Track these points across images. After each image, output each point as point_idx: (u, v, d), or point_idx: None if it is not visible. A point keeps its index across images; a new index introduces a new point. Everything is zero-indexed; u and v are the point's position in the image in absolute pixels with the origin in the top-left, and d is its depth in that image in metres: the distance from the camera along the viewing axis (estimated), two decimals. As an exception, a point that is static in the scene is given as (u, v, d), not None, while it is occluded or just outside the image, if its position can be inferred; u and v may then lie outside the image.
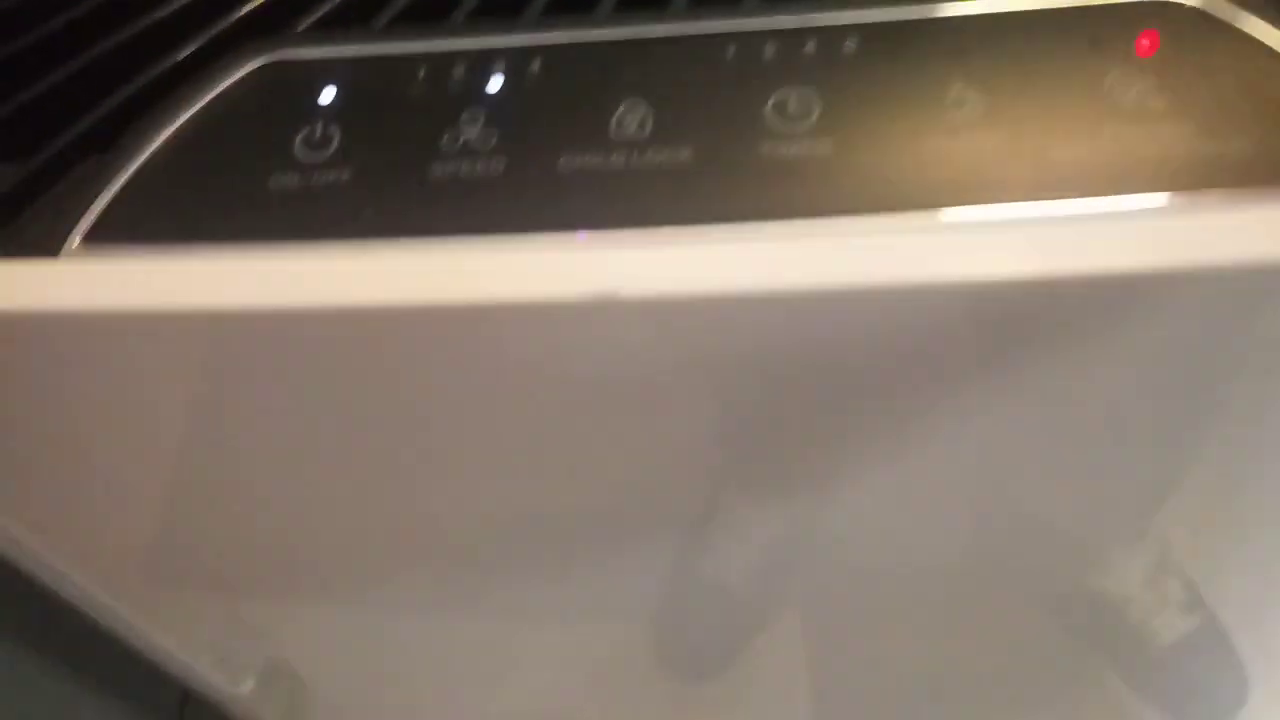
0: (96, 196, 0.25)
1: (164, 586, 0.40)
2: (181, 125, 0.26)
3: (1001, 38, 0.25)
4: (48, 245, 0.25)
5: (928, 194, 0.23)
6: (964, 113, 0.24)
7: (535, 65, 0.26)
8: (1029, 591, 0.40)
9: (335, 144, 0.25)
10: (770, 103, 0.24)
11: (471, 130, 0.25)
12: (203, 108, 0.26)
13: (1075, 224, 0.22)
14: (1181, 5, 0.25)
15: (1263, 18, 0.25)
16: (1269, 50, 0.25)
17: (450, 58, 0.26)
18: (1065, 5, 0.26)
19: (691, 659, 0.44)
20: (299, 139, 0.25)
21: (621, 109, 0.25)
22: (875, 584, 0.38)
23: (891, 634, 0.41)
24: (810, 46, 0.25)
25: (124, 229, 0.25)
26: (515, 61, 0.26)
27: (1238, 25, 0.25)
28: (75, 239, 0.25)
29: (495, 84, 0.26)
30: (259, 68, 0.27)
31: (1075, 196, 0.23)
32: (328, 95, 0.26)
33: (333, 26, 0.28)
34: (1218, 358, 0.28)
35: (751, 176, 0.24)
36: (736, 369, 0.25)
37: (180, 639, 0.44)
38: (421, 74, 0.26)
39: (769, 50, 0.25)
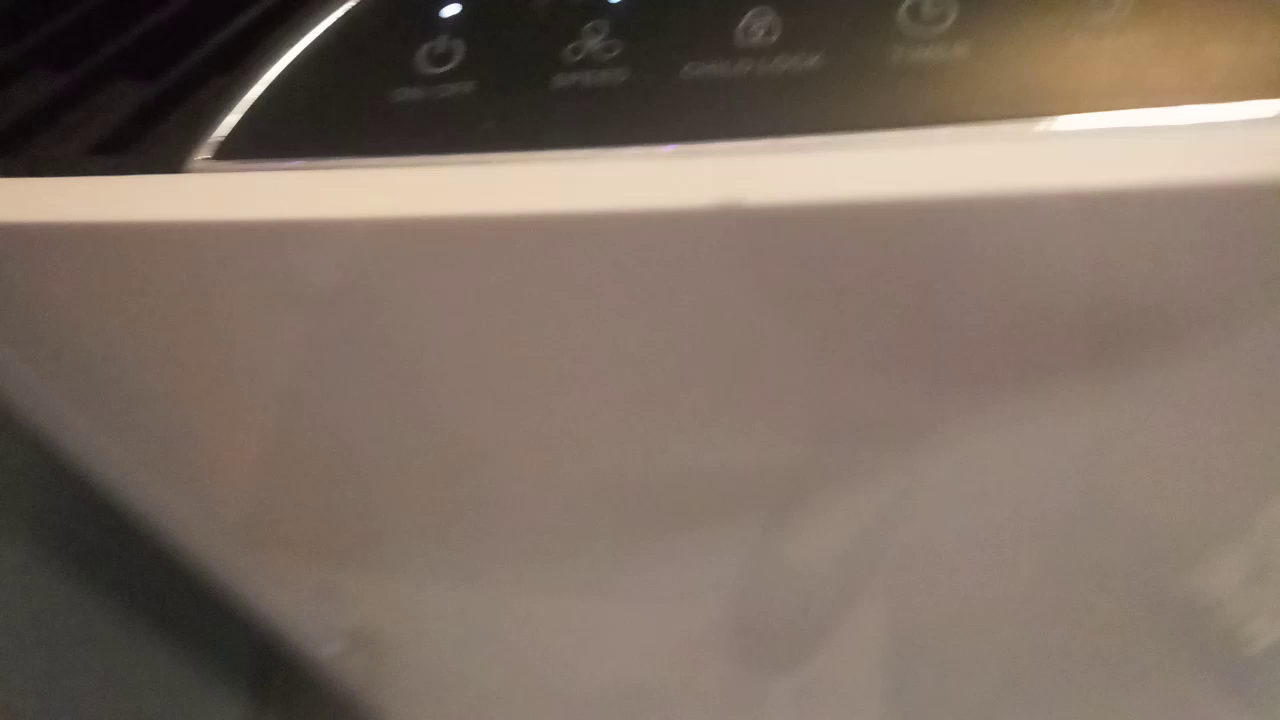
0: (222, 113, 0.25)
1: (261, 546, 0.41)
2: (306, 44, 0.26)
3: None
4: (174, 161, 0.25)
5: (1075, 99, 0.22)
6: (1111, 13, 0.23)
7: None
8: (1121, 588, 0.38)
9: (458, 57, 0.25)
10: (904, 5, 0.23)
11: (594, 41, 0.24)
12: (326, 27, 0.26)
13: (1236, 129, 0.21)
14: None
15: None
16: None
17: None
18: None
19: (770, 650, 0.44)
20: (422, 52, 0.25)
21: (749, 15, 0.24)
22: (961, 574, 0.37)
23: (975, 630, 0.40)
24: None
25: (249, 144, 0.25)
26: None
27: None
28: (201, 154, 0.25)
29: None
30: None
31: (1236, 99, 0.21)
32: (451, 9, 0.26)
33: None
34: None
35: (884, 83, 0.23)
36: (865, 288, 0.24)
37: (272, 599, 0.45)
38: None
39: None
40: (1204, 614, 0.38)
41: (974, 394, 0.28)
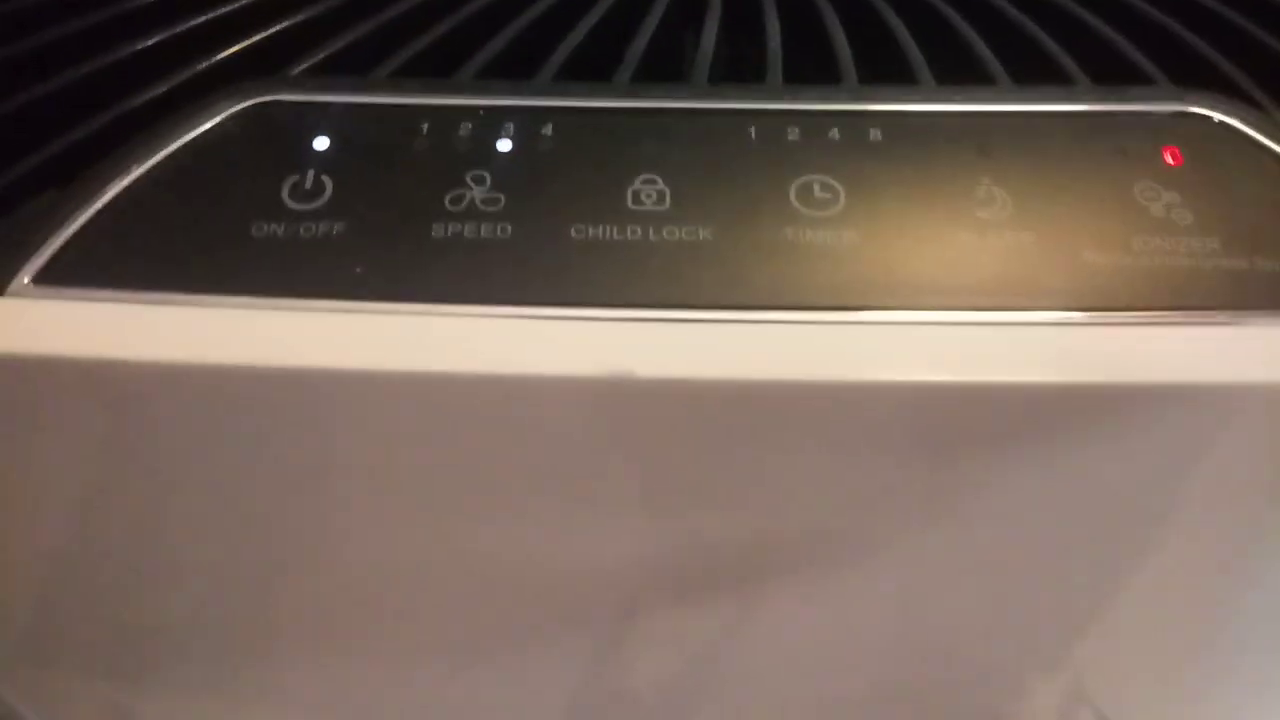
0: (55, 232, 0.23)
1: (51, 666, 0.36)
2: (157, 162, 0.24)
3: (1029, 136, 0.25)
4: (-9, 282, 0.22)
5: (959, 295, 0.22)
6: (993, 211, 0.23)
7: (547, 129, 0.24)
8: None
9: (328, 194, 0.23)
10: (794, 187, 0.23)
11: (478, 191, 0.23)
12: (182, 145, 0.24)
13: (1108, 334, 0.22)
14: (1208, 118, 0.25)
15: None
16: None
17: (457, 113, 0.25)
18: (1088, 109, 0.26)
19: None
20: (288, 186, 0.23)
21: (638, 181, 0.23)
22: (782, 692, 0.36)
23: None
24: (834, 132, 0.25)
25: (82, 269, 0.22)
26: (526, 123, 0.25)
27: (1261, 139, 0.25)
28: (25, 277, 0.22)
29: (504, 145, 0.24)
30: (248, 107, 0.25)
31: (1110, 309, 0.22)
32: (322, 142, 0.24)
33: (330, 73, 0.27)
34: (1193, 483, 0.27)
35: (773, 261, 0.22)
36: (741, 458, 0.23)
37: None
38: (425, 128, 0.24)
39: (792, 133, 0.25)
40: None
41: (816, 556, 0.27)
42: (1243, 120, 0.25)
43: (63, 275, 0.22)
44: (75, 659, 0.34)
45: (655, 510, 0.24)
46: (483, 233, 0.23)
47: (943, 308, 0.22)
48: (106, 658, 0.34)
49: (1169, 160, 0.24)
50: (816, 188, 0.23)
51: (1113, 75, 0.28)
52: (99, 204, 0.23)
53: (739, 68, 0.31)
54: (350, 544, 0.26)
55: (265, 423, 0.22)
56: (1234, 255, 0.23)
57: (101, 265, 0.22)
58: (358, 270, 0.22)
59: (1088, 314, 0.22)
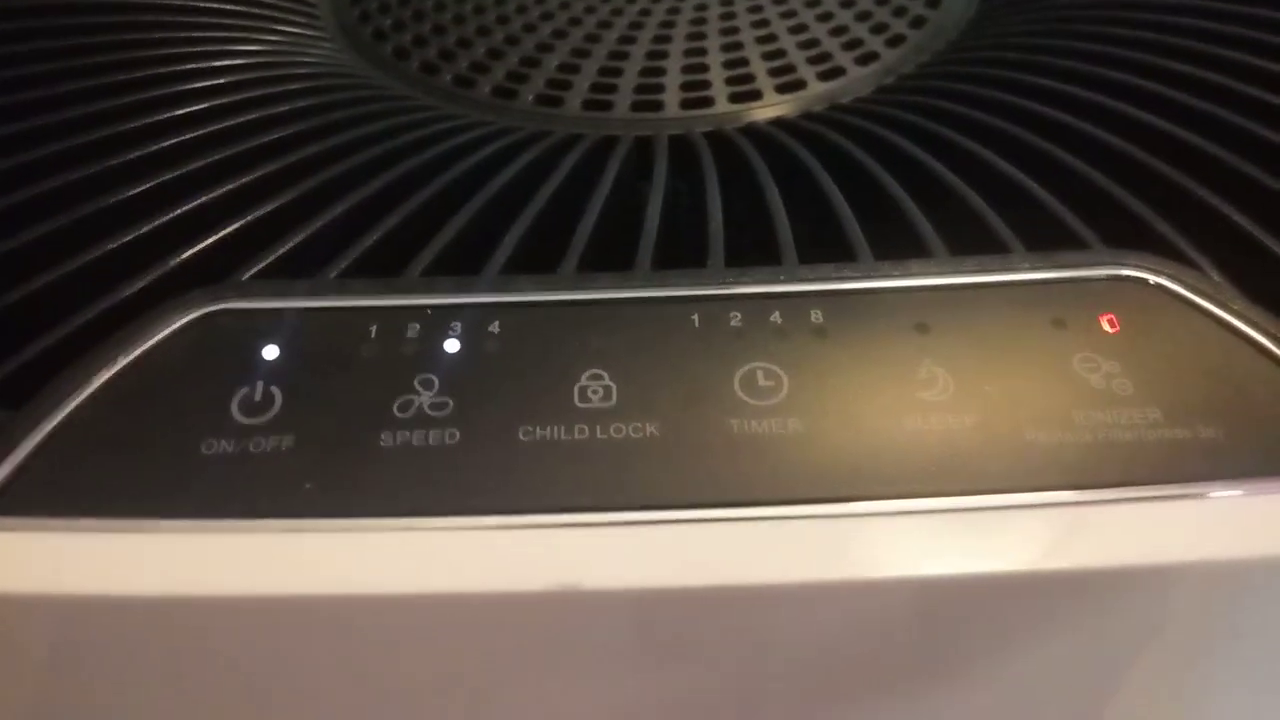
0: (2, 458, 0.23)
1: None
2: (105, 382, 0.24)
3: (967, 310, 0.25)
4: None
5: (905, 483, 0.22)
6: (935, 392, 0.23)
7: (494, 326, 0.25)
8: None
9: (277, 406, 0.23)
10: (738, 376, 0.24)
11: (425, 395, 0.23)
12: (132, 361, 0.24)
13: (1058, 516, 0.22)
14: (1144, 280, 0.26)
15: (1222, 297, 0.26)
16: (1230, 327, 0.25)
17: (404, 314, 0.25)
18: (1025, 279, 0.26)
19: None
20: (237, 399, 0.23)
21: (585, 377, 0.24)
22: None
23: None
24: (775, 315, 0.25)
25: (31, 497, 0.22)
26: (473, 321, 0.25)
27: (1199, 302, 0.25)
28: (-27, 506, 0.22)
29: (452, 345, 0.24)
30: (197, 318, 0.25)
31: (1054, 489, 0.22)
32: (271, 351, 0.24)
33: (278, 276, 0.27)
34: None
35: (719, 456, 0.22)
36: (701, 665, 0.23)
37: None
38: (373, 330, 0.25)
39: (734, 318, 0.25)
40: None
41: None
42: (1179, 282, 0.26)
43: (11, 505, 0.22)
44: None
45: None
46: (430, 440, 0.23)
47: (890, 497, 0.22)
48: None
49: (1107, 328, 0.25)
50: (760, 376, 0.24)
51: (1048, 238, 0.29)
52: (48, 428, 0.23)
53: (679, 243, 0.31)
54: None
55: (218, 649, 0.22)
56: (1176, 424, 0.23)
57: (52, 493, 0.22)
58: (306, 486, 0.22)
59: (1031, 494, 0.22)
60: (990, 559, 0.21)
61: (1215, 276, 0.27)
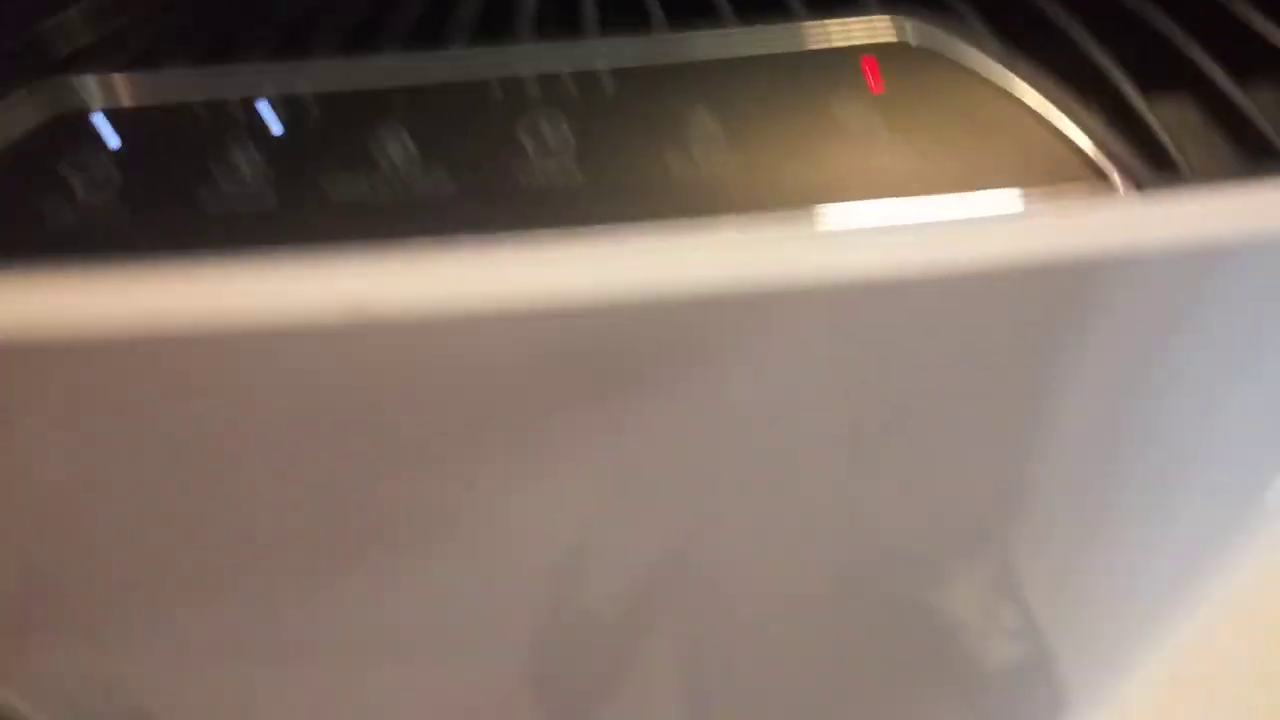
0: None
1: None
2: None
3: (744, 77, 0.28)
4: None
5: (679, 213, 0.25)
6: (703, 151, 0.26)
7: (305, 94, 0.27)
8: (876, 604, 0.41)
9: (109, 173, 0.26)
10: (527, 133, 0.26)
11: (242, 161, 0.26)
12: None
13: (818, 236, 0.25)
14: (906, 45, 0.28)
15: (980, 49, 0.28)
16: (983, 79, 0.28)
17: (222, 88, 0.27)
18: (798, 50, 0.29)
19: (559, 695, 0.44)
20: (67, 164, 0.26)
21: (387, 140, 0.26)
22: (728, 604, 0.39)
23: (748, 647, 0.42)
24: (566, 82, 0.27)
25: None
26: (286, 93, 0.27)
27: (956, 58, 0.28)
28: None
29: (266, 114, 0.27)
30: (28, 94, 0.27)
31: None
32: (101, 122, 0.27)
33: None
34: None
35: (511, 204, 0.25)
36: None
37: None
38: (196, 104, 0.27)
39: (529, 86, 0.27)
40: (949, 629, 0.41)
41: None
42: (945, 30, 0.28)
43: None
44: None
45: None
46: (249, 201, 0.25)
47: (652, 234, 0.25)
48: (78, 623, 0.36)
49: (870, 79, 0.27)
50: (545, 127, 0.26)
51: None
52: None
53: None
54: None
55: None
56: (925, 158, 0.26)
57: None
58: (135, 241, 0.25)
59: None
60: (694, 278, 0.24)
61: (978, 25, 0.29)
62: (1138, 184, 0.26)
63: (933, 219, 0.25)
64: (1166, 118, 0.28)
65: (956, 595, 0.40)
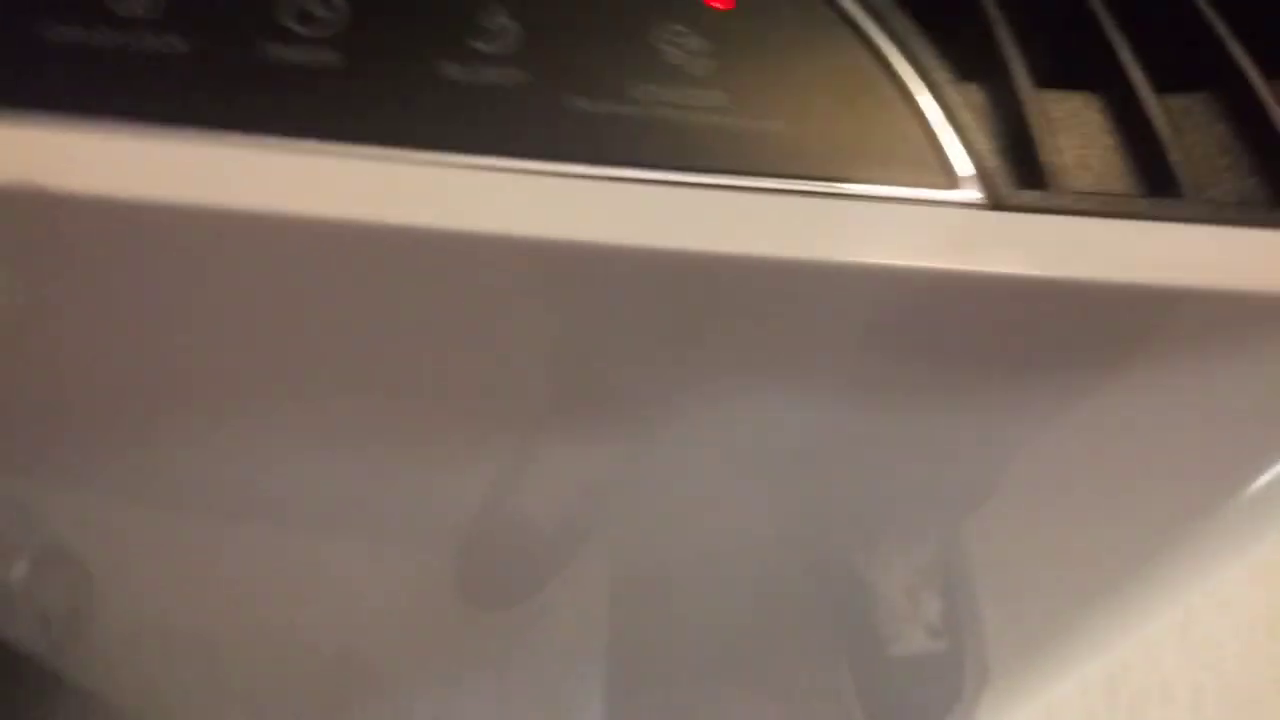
0: None
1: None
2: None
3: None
4: None
5: (428, 136, 0.21)
6: (497, 45, 0.22)
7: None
8: (808, 559, 0.38)
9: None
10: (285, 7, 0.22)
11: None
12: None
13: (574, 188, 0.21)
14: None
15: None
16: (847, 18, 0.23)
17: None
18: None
19: (491, 587, 0.43)
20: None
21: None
22: (668, 545, 0.36)
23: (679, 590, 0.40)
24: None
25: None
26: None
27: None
28: None
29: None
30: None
31: (584, 162, 0.21)
32: None
33: None
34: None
35: (252, 80, 0.21)
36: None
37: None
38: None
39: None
40: (867, 606, 0.39)
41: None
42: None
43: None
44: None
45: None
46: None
47: (410, 147, 0.21)
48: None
49: (715, 4, 0.23)
50: (313, 6, 0.22)
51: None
52: None
53: None
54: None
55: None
56: (742, 114, 0.22)
57: None
58: None
59: (561, 165, 0.21)
60: (465, 218, 0.20)
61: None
62: (990, 195, 0.22)
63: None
64: (1065, 118, 0.24)
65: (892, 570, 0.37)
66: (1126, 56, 0.24)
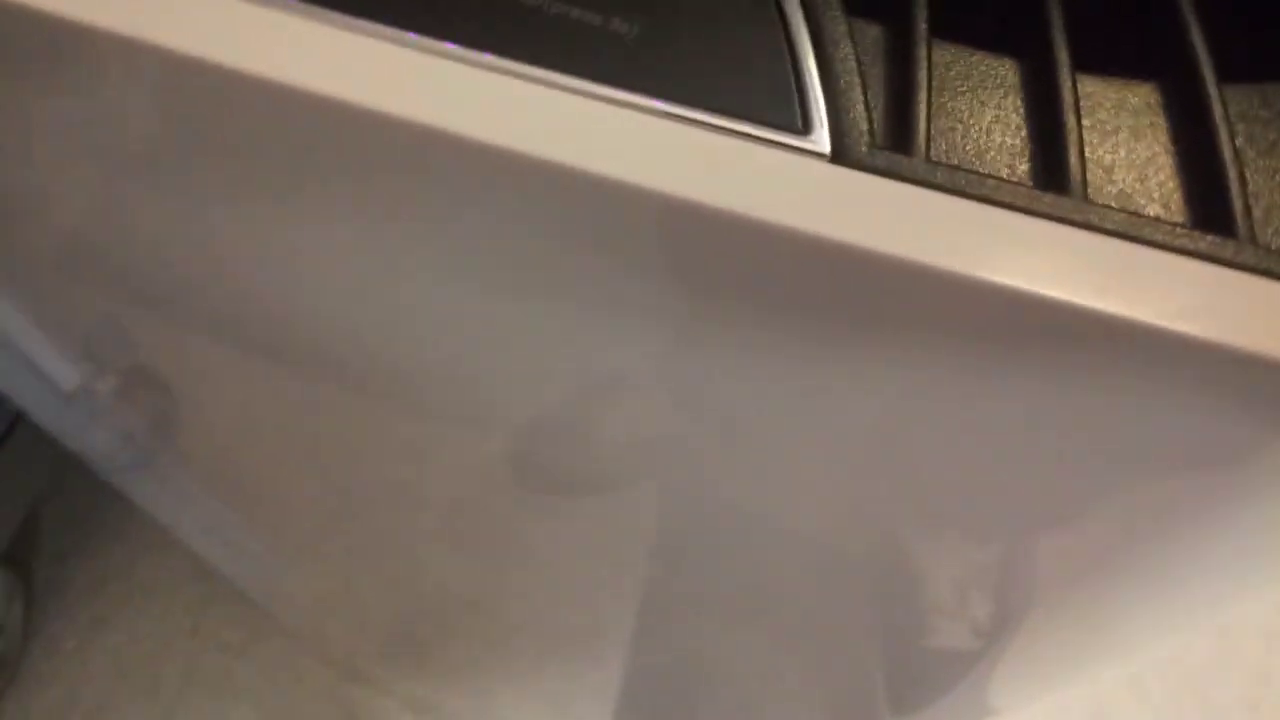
0: None
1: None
2: None
3: None
4: None
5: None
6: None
7: None
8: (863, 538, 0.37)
9: None
10: None
11: None
12: None
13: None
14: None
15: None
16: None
17: None
18: None
19: (542, 473, 0.43)
20: None
21: None
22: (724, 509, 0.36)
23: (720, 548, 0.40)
24: None
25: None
26: None
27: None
28: None
29: None
30: None
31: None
32: None
33: None
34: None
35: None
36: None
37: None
38: None
39: None
40: (913, 591, 0.38)
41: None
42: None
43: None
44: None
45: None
46: None
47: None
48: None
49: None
50: None
51: None
52: None
53: None
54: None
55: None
56: (584, 6, 0.20)
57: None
58: None
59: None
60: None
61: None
62: (836, 149, 0.20)
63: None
64: (969, 80, 0.21)
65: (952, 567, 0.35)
66: (1058, 34, 0.21)
